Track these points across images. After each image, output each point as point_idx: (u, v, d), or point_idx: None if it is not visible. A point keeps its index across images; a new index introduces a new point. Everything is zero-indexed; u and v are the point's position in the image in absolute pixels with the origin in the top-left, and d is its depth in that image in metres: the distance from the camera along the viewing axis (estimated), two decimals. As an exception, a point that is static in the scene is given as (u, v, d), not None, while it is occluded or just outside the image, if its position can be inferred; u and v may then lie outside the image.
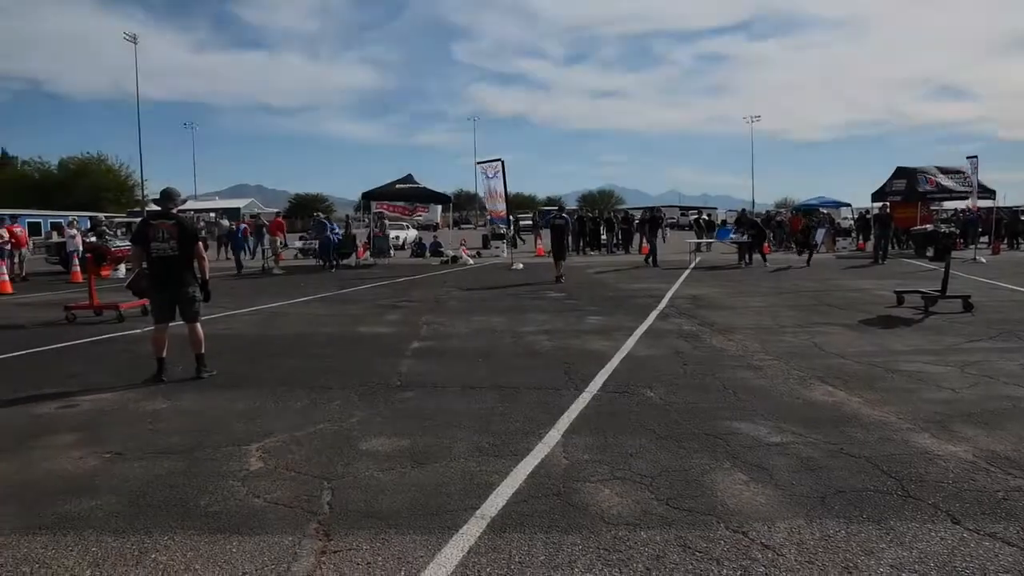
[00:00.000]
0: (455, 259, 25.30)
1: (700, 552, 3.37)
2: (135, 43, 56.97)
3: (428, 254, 29.08)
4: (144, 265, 7.39)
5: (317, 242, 24.78)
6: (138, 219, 26.01)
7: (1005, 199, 53.27)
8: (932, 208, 28.27)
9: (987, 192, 28.21)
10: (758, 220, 27.57)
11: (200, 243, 7.35)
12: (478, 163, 26.12)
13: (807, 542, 3.46)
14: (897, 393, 6.27)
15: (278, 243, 23.97)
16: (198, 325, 7.30)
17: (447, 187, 36.62)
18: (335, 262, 23.62)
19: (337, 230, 24.88)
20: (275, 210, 48.83)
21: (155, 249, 7.02)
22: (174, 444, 5.13)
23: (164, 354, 7.18)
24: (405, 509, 3.91)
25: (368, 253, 26.47)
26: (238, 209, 77.87)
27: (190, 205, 74.40)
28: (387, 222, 29.07)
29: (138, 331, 10.26)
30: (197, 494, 4.19)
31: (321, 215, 27.29)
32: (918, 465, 4.47)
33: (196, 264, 7.25)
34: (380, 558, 3.35)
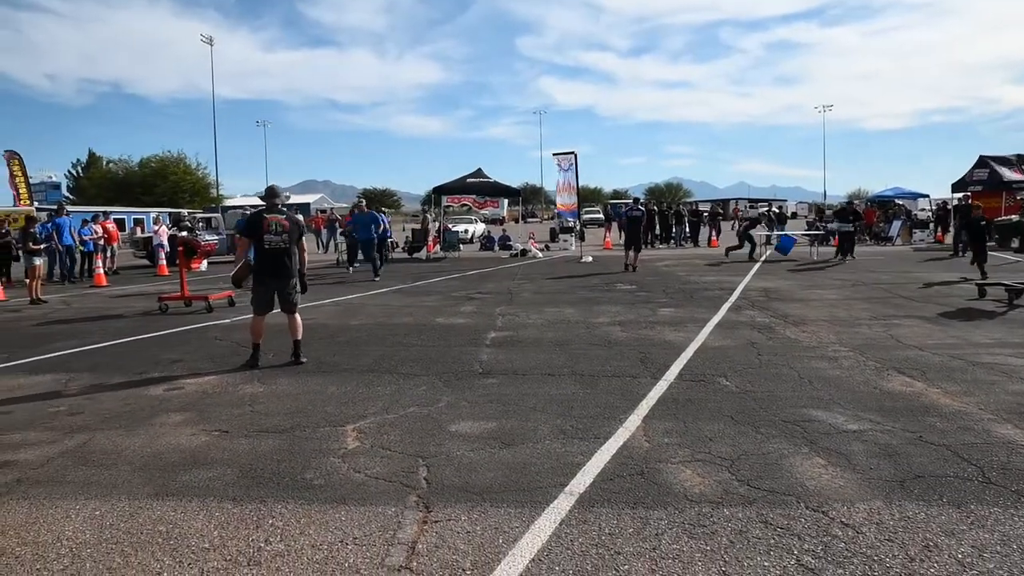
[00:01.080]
0: (524, 252, 25.55)
1: (781, 528, 3.53)
2: (211, 44, 58.90)
3: (497, 247, 29.42)
4: (248, 256, 7.77)
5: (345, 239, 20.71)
6: (214, 214, 27.03)
7: None
8: (1019, 198, 27.24)
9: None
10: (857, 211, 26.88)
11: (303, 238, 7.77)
12: (554, 154, 26.28)
13: (887, 522, 3.58)
14: (978, 384, 6.25)
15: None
16: (297, 314, 7.73)
17: (513, 180, 37.00)
18: (380, 261, 18.03)
19: (385, 221, 21.06)
20: (345, 205, 49.89)
21: (268, 241, 7.43)
22: (275, 424, 5.50)
23: (261, 341, 7.59)
24: (497, 485, 4.16)
25: (439, 247, 26.96)
26: (308, 204, 79.73)
27: (260, 201, 76.55)
28: (453, 216, 29.46)
29: (227, 320, 10.84)
30: (302, 468, 4.53)
31: (362, 201, 20.41)
32: (999, 454, 4.51)
33: (298, 257, 7.72)
34: (479, 527, 3.61)
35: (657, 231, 30.81)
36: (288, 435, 5.22)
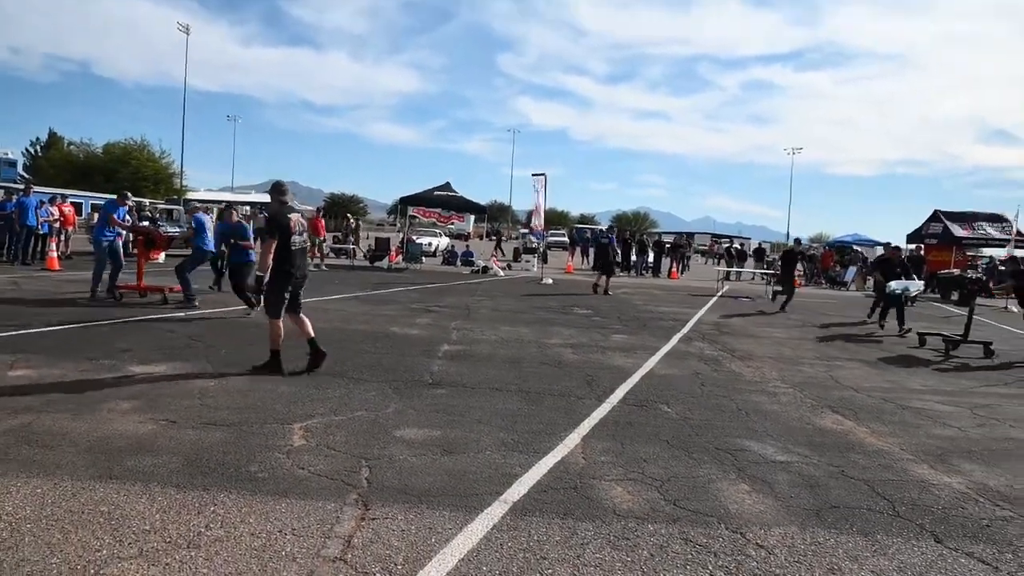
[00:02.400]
0: (486, 269, 25.75)
1: (700, 545, 3.74)
2: (187, 33, 58.37)
3: (459, 263, 29.58)
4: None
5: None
6: (175, 206, 26.77)
7: None
8: (969, 254, 28.27)
9: (1027, 240, 28.19)
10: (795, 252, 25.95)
11: None
12: (533, 175, 26.58)
13: (798, 546, 3.81)
14: (904, 427, 6.58)
15: (319, 241, 24.45)
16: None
17: (481, 197, 37.22)
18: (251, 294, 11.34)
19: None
20: (310, 207, 49.56)
21: (295, 242, 7.36)
22: (222, 417, 5.58)
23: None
24: (436, 489, 4.31)
25: (401, 257, 27.03)
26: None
27: (227, 197, 75.74)
28: (420, 228, 29.54)
29: (181, 314, 10.81)
30: (246, 461, 4.62)
31: (234, 205, 15.90)
32: (912, 491, 4.80)
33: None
34: (414, 527, 3.76)
35: (619, 259, 31.24)
36: (235, 429, 5.30)
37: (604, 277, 19.49)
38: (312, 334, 7.50)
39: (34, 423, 5.17)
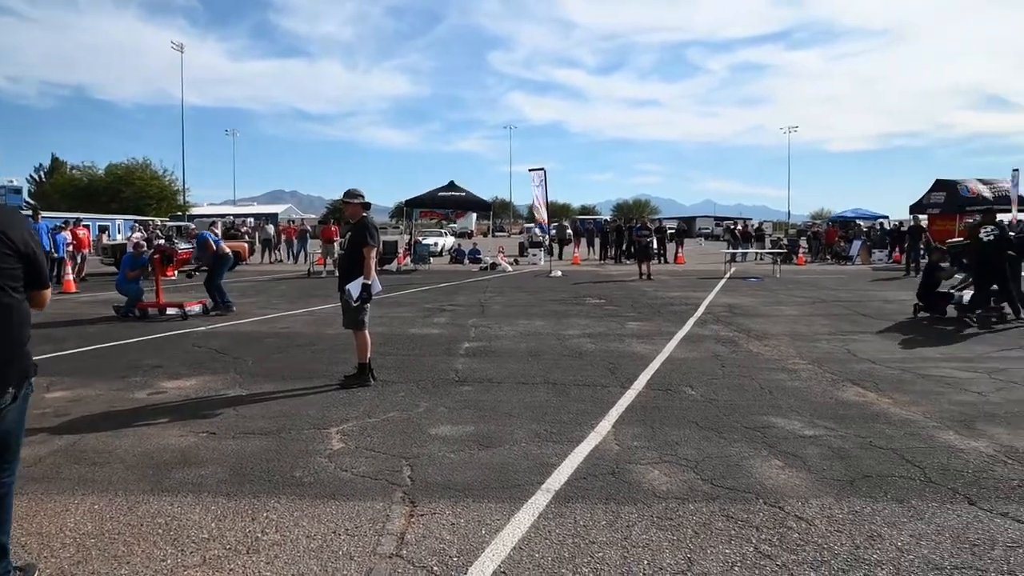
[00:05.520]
0: (494, 266, 25.85)
1: (741, 521, 3.85)
2: (182, 52, 58.59)
3: (467, 261, 29.69)
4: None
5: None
6: (182, 223, 26.95)
7: None
8: (970, 220, 28.14)
9: (1027, 205, 28.11)
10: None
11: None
12: (530, 170, 26.68)
13: (836, 515, 3.92)
14: (926, 395, 6.67)
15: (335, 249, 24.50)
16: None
17: (482, 195, 37.27)
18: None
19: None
20: (312, 216, 49.61)
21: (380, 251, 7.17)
22: (260, 427, 5.70)
23: None
24: (478, 483, 4.44)
25: (409, 259, 27.15)
26: (276, 214, 79.31)
27: (229, 210, 76.00)
28: (424, 229, 29.68)
29: (203, 328, 10.96)
30: (290, 467, 4.75)
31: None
32: (941, 457, 4.90)
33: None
34: (463, 520, 3.88)
35: (624, 247, 31.33)
36: (274, 437, 5.43)
37: (646, 263, 21.50)
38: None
39: (79, 442, 5.31)
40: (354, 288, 6.94)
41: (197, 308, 12.63)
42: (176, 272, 17.86)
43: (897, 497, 4.18)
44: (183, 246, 21.45)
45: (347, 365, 8.03)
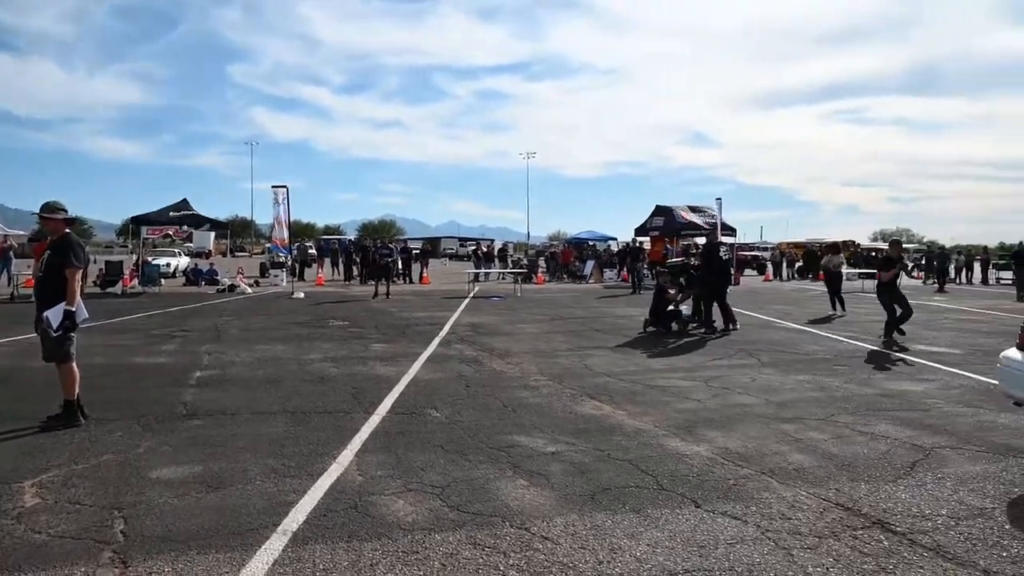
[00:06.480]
0: (232, 288, 24.27)
1: (488, 547, 3.74)
2: None
3: (203, 283, 27.62)
4: None
5: None
6: None
7: (744, 236, 61.14)
8: (684, 244, 31.41)
9: (729, 230, 31.89)
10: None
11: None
12: (273, 187, 25.39)
13: (580, 532, 3.95)
14: (654, 405, 7.12)
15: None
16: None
17: (222, 213, 35.22)
18: None
19: None
20: (21, 232, 43.54)
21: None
22: (-78, 486, 4.67)
23: None
24: (205, 531, 3.92)
25: (136, 281, 24.66)
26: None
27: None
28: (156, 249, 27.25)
29: None
30: (-40, 537, 3.90)
31: None
32: (670, 463, 5.19)
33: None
34: (182, 577, 3.38)
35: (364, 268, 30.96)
36: (-58, 498, 4.46)
37: (385, 283, 21.79)
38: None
39: None
40: (54, 316, 6.00)
41: None
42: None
43: (635, 507, 4.32)
44: None
45: (52, 404, 6.94)
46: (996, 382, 5.93)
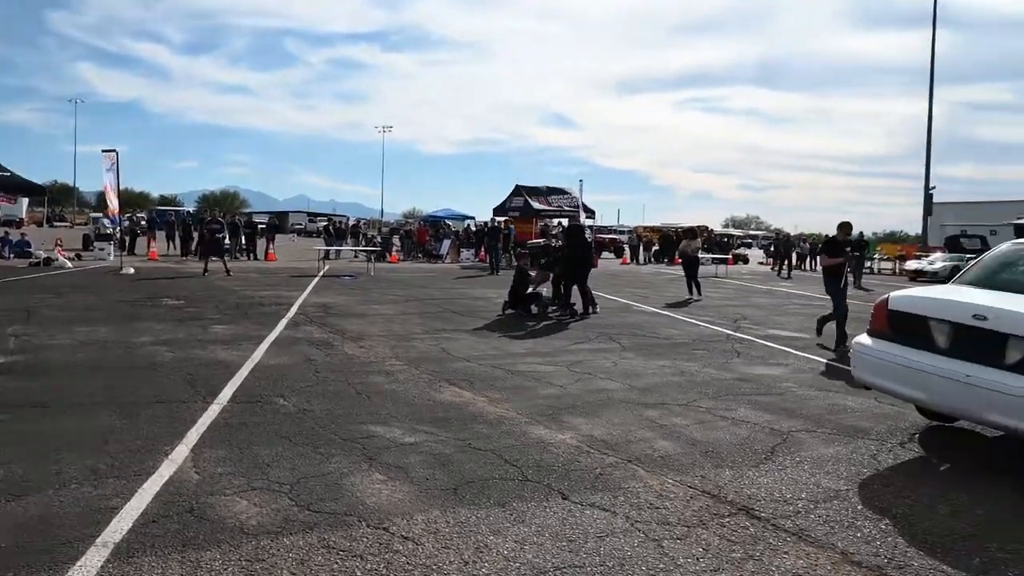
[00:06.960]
0: (49, 261, 22.11)
1: (344, 551, 3.41)
2: None
3: (11, 255, 25.00)
4: None
5: None
6: None
7: (602, 219, 62.98)
8: (543, 224, 31.86)
9: (589, 212, 32.64)
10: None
11: None
12: (103, 151, 23.19)
13: (443, 530, 3.69)
14: (516, 391, 6.96)
15: None
16: None
17: (38, 178, 31.98)
18: None
19: None
20: None
21: None
22: None
23: None
24: (4, 549, 3.32)
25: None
26: None
27: None
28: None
29: None
30: None
31: None
32: (535, 453, 5.02)
33: None
34: (-32, 607, 2.82)
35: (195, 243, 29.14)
36: None
37: (216, 258, 20.33)
38: None
39: None
40: None
41: None
42: None
43: (500, 501, 4.11)
44: None
45: None
46: (850, 368, 6.13)
